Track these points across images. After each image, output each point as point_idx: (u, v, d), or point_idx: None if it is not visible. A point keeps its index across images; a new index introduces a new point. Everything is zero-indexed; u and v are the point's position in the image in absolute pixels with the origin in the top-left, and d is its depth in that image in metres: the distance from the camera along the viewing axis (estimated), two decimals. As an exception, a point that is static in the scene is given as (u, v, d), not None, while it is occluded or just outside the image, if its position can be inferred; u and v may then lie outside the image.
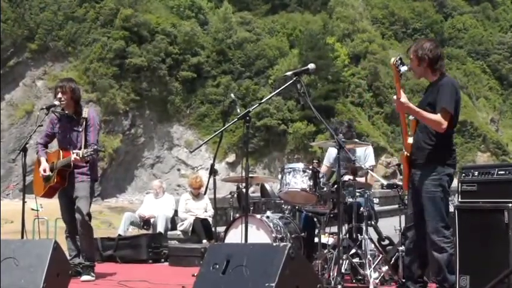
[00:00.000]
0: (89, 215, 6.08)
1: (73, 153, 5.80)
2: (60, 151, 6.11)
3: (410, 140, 4.69)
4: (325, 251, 5.65)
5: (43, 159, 6.16)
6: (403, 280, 4.98)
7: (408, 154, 4.69)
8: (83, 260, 6.08)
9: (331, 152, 6.54)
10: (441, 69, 4.66)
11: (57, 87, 6.18)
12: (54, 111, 6.21)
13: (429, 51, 4.56)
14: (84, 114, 6.17)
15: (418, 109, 4.54)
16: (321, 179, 5.57)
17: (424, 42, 4.69)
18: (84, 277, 5.97)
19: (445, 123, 4.45)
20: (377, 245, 5.76)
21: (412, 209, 4.74)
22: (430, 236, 4.47)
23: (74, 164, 5.98)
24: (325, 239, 6.07)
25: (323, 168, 6.53)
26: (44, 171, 6.08)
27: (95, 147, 5.91)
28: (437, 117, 4.45)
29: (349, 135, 6.24)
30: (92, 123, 6.13)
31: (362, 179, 5.86)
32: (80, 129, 6.09)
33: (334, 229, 5.55)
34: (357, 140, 6.31)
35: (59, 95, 6.09)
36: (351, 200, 5.63)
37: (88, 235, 6.07)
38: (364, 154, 6.38)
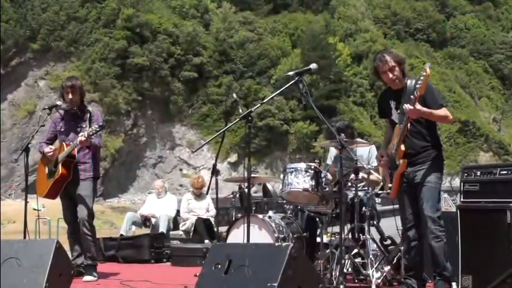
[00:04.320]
0: (92, 214, 6.06)
1: (80, 136, 5.76)
2: (63, 144, 6.07)
3: (403, 147, 4.69)
4: (327, 250, 5.63)
5: (47, 148, 6.14)
6: (403, 278, 5.01)
7: (403, 161, 4.68)
8: (86, 260, 6.08)
9: (332, 152, 6.54)
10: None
11: (66, 87, 6.10)
12: (58, 109, 6.21)
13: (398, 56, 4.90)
14: (89, 109, 6.24)
15: (429, 110, 4.58)
16: (323, 179, 5.56)
17: (388, 50, 5.08)
18: (87, 277, 5.96)
19: (451, 116, 4.71)
20: (379, 244, 5.74)
21: (410, 210, 4.80)
22: (428, 225, 4.57)
23: (77, 161, 5.98)
24: (327, 239, 6.06)
25: (331, 170, 6.45)
26: (50, 150, 6.07)
27: (100, 123, 5.91)
28: (445, 111, 4.65)
29: (349, 134, 6.22)
30: (96, 119, 6.15)
31: (373, 177, 5.86)
32: (84, 125, 6.09)
33: (336, 229, 5.54)
34: (359, 139, 6.30)
35: (70, 96, 6.06)
36: (353, 195, 5.60)
37: (90, 235, 6.04)
38: (368, 155, 6.36)
